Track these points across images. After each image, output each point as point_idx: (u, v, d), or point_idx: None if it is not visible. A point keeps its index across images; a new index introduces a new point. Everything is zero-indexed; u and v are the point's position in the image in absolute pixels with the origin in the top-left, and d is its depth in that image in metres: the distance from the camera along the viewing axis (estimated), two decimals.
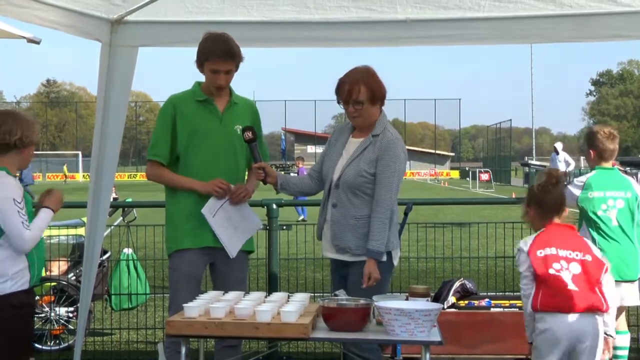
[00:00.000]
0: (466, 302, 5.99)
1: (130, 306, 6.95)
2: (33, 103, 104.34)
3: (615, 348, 5.37)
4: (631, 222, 5.29)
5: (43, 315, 6.87)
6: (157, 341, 6.83)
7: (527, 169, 38.74)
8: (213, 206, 4.59)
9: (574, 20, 4.98)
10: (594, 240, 5.21)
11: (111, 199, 5.65)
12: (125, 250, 7.01)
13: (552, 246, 4.07)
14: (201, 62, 4.60)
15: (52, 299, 6.91)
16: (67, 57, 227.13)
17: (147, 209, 7.57)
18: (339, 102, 4.51)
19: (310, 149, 73.90)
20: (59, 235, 7.14)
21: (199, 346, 4.12)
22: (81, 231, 7.01)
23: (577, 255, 4.06)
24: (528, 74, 65.34)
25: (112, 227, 7.29)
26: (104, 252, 6.98)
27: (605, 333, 4.08)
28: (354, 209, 4.41)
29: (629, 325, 5.64)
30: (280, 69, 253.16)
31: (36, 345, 6.61)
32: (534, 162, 38.86)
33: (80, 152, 77.41)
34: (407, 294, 3.89)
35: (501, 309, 5.87)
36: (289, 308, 3.55)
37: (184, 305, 3.63)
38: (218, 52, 4.53)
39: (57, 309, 6.89)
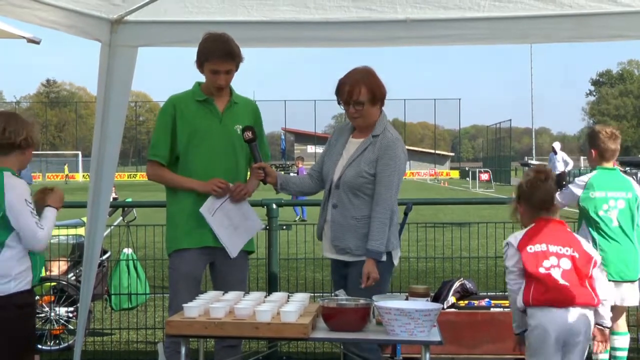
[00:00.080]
0: (466, 302, 5.99)
1: (130, 306, 6.95)
2: (33, 103, 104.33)
3: (615, 349, 5.37)
4: (631, 222, 5.29)
5: (43, 315, 6.87)
6: (157, 341, 6.83)
7: (527, 169, 38.71)
8: (212, 205, 4.59)
9: (574, 20, 4.98)
10: (594, 241, 5.21)
11: (111, 199, 5.65)
12: (125, 250, 7.01)
13: (542, 242, 4.08)
14: (201, 63, 4.60)
15: (52, 299, 6.91)
16: (67, 57, 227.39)
17: (147, 208, 7.57)
18: (339, 103, 4.51)
19: (310, 149, 73.89)
20: (58, 235, 7.14)
21: (199, 346, 4.12)
22: (81, 231, 7.01)
23: (567, 250, 4.08)
24: (528, 74, 65.41)
25: (112, 227, 7.30)
26: (104, 252, 6.98)
27: (602, 325, 4.11)
28: (354, 210, 4.41)
29: (628, 326, 5.64)
30: (280, 69, 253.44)
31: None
32: (533, 162, 38.86)
33: (80, 152, 77.44)
34: (407, 294, 3.89)
35: (501, 309, 5.86)
36: (289, 308, 3.55)
37: (184, 305, 3.63)
38: (218, 53, 4.53)
39: (57, 309, 6.90)
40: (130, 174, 75.47)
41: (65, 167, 69.62)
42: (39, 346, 6.68)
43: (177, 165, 4.70)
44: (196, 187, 4.61)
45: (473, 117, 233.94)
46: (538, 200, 4.19)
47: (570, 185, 5.47)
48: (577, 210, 5.44)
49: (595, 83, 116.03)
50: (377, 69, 4.52)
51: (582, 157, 58.28)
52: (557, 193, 5.47)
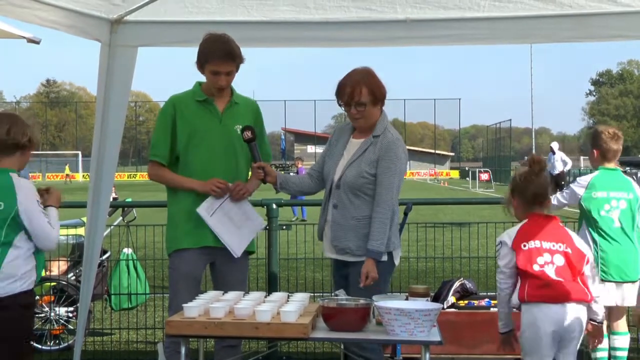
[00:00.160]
0: (466, 302, 5.99)
1: (130, 306, 6.95)
2: (33, 103, 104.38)
3: (615, 349, 5.38)
4: (632, 223, 5.28)
5: (43, 315, 6.87)
6: (157, 341, 6.83)
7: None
8: (211, 205, 4.59)
9: (574, 20, 4.98)
10: (594, 241, 5.21)
11: (111, 199, 5.65)
12: (125, 250, 7.01)
13: (536, 238, 4.10)
14: (201, 64, 4.59)
15: (52, 299, 6.91)
16: (67, 57, 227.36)
17: (146, 208, 7.58)
18: (339, 105, 4.51)
19: (310, 149, 73.93)
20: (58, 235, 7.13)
21: (199, 346, 4.12)
22: (81, 231, 7.00)
23: (560, 247, 4.09)
24: (528, 74, 65.44)
25: (112, 227, 7.30)
26: (104, 252, 6.98)
27: (595, 321, 4.13)
28: (354, 210, 4.41)
29: (628, 326, 5.64)
30: (280, 69, 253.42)
31: (36, 345, 6.60)
32: None
33: (80, 152, 77.45)
34: (407, 294, 3.89)
35: None
36: (289, 308, 3.55)
37: (184, 305, 3.63)
38: (218, 54, 4.53)
39: (57, 308, 6.89)
40: (130, 174, 75.49)
41: (67, 167, 69.61)
42: (39, 346, 6.69)
43: (178, 165, 4.70)
44: (196, 187, 4.61)
45: (473, 117, 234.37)
46: (531, 194, 4.20)
47: (572, 185, 5.47)
48: (578, 210, 5.44)
49: (595, 83, 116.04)
50: (377, 69, 4.52)
51: (582, 157, 58.31)
52: (558, 193, 5.49)
